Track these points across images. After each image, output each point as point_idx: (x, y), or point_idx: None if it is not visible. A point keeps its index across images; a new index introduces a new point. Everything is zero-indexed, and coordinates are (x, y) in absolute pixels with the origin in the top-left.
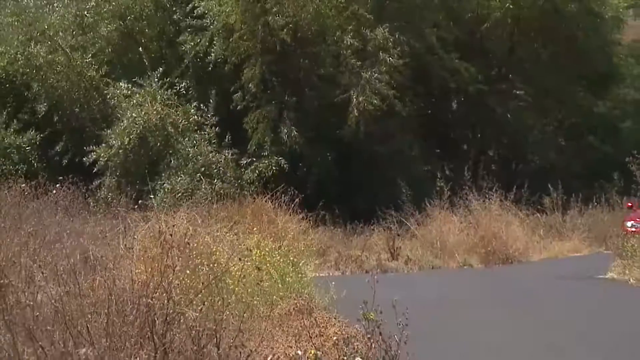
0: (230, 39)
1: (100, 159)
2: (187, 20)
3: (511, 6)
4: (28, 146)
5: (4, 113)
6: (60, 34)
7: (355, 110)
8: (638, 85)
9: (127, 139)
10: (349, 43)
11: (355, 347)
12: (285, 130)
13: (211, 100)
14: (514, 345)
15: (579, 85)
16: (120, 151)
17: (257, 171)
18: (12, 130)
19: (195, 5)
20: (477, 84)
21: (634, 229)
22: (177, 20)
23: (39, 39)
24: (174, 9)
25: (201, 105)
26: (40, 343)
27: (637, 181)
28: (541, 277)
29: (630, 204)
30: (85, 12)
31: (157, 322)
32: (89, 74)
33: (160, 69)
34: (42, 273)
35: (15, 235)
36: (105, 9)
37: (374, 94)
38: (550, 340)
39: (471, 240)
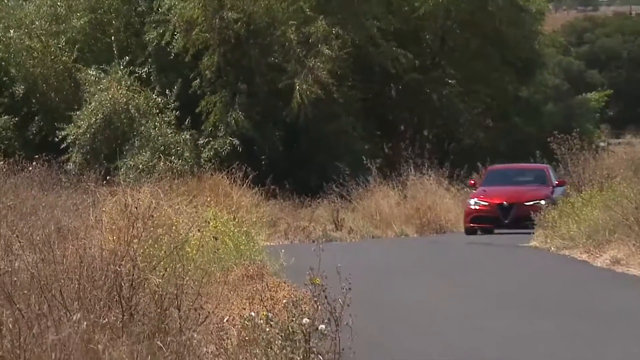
0: (191, 32)
1: (69, 137)
2: (152, 14)
3: (441, 1)
4: (4, 129)
5: None
6: (37, 22)
7: (299, 96)
8: (558, 71)
9: (94, 119)
10: (294, 35)
11: (303, 309)
12: (238, 113)
13: (174, 88)
14: (445, 306)
15: (505, 72)
16: (88, 131)
17: (213, 150)
18: None
19: (160, 2)
20: (413, 71)
21: (477, 207)
22: (142, 12)
23: (16, 27)
24: (139, 2)
25: (165, 90)
26: (17, 306)
27: (557, 158)
28: (472, 246)
29: (472, 182)
30: (59, 4)
31: (123, 287)
32: (62, 60)
33: (126, 57)
34: (19, 242)
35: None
36: (77, 2)
37: (315, 82)
38: (478, 300)
39: (407, 212)
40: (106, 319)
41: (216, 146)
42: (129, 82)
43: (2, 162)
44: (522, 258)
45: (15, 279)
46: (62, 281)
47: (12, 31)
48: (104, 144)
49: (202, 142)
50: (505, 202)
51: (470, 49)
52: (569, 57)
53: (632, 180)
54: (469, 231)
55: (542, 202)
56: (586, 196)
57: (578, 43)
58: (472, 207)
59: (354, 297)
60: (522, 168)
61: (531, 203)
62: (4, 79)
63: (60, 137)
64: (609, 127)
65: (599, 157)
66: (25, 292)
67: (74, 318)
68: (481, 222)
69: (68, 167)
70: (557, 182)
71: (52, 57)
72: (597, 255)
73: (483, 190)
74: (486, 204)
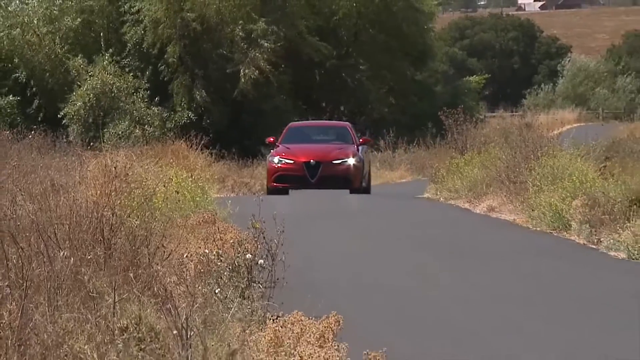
0: (158, 29)
1: (68, 113)
2: (128, 15)
3: (355, 4)
4: (10, 107)
5: None
6: (34, 22)
7: (243, 80)
8: (445, 60)
9: (87, 98)
10: (239, 32)
11: (246, 247)
12: (195, 93)
13: (146, 73)
14: (351, 245)
15: (404, 61)
16: (82, 107)
17: (174, 121)
18: None
19: (133, 5)
20: (332, 60)
21: (281, 164)
22: (121, 13)
23: (19, 26)
24: (119, 5)
25: (139, 75)
26: (20, 245)
27: (445, 128)
28: (376, 197)
29: (271, 139)
30: (53, 7)
31: (104, 230)
32: (55, 51)
33: (110, 50)
34: (22, 195)
35: (2, 167)
36: (68, 5)
37: (256, 69)
38: (377, 239)
39: None
40: (90, 256)
41: (177, 118)
42: (112, 70)
43: (7, 132)
44: (417, 206)
45: (19, 223)
46: (56, 225)
47: (16, 29)
48: (93, 117)
49: (166, 115)
50: (312, 160)
51: (377, 42)
52: (453, 48)
53: (503, 145)
54: (272, 190)
55: (350, 160)
56: (468, 158)
57: (461, 37)
58: (276, 165)
59: (286, 238)
60: (324, 125)
61: (339, 161)
62: (10, 66)
63: (62, 115)
64: (486, 104)
65: (478, 127)
66: (27, 234)
67: (65, 255)
68: (286, 182)
69: (69, 136)
70: (361, 140)
71: (47, 50)
72: (477, 204)
73: (286, 148)
74: (291, 162)
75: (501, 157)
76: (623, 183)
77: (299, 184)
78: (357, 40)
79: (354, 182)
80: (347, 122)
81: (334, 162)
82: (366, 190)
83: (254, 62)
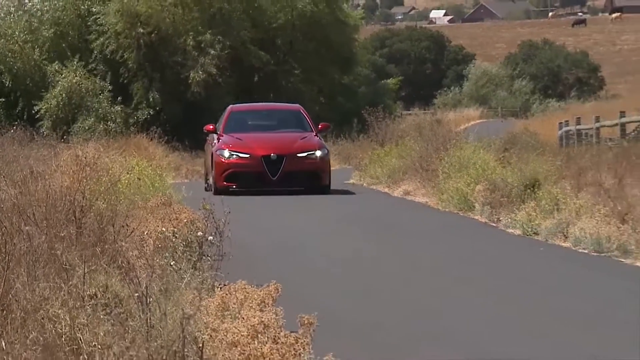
0: (119, 39)
1: (42, 110)
2: (94, 27)
3: (290, 17)
4: None
5: None
6: (17, 32)
7: (194, 83)
8: (368, 66)
9: (60, 98)
10: (190, 42)
11: (198, 226)
12: (153, 94)
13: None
14: (287, 222)
15: (332, 66)
16: (55, 106)
17: (134, 117)
18: None
19: (97, 19)
20: (270, 65)
21: (233, 159)
22: (88, 26)
23: (2, 36)
24: (87, 19)
25: (104, 78)
26: (3, 224)
27: (368, 124)
28: None
29: (211, 126)
30: (32, 20)
31: (76, 211)
32: (34, 58)
33: (79, 56)
34: (5, 181)
35: None
36: (44, 18)
37: (205, 73)
38: (313, 217)
39: None
40: (63, 233)
41: (137, 115)
42: (80, 73)
43: None
44: (345, 189)
45: (2, 205)
46: (34, 207)
47: (1, 40)
48: (65, 114)
49: (129, 112)
50: (272, 154)
51: (309, 50)
52: (375, 56)
53: (417, 139)
54: (222, 190)
55: (318, 152)
56: (387, 149)
57: (381, 46)
58: (227, 160)
59: (232, 218)
60: (272, 109)
61: (304, 154)
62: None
63: (36, 110)
64: (402, 103)
65: (395, 123)
66: (9, 214)
67: (42, 232)
68: (240, 180)
69: (41, 130)
70: (320, 127)
71: (27, 57)
72: (395, 189)
73: (237, 139)
74: (246, 156)
75: (415, 148)
76: (519, 170)
77: (256, 182)
78: (292, 49)
79: (323, 178)
80: (297, 105)
81: (299, 155)
82: (329, 187)
83: (203, 67)
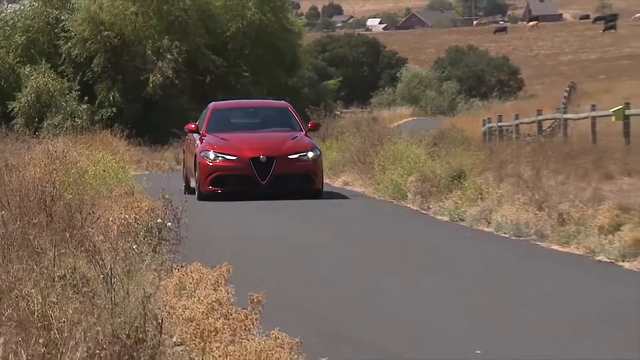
0: (85, 44)
1: (15, 108)
2: (62, 33)
3: (240, 25)
4: None
5: None
6: None
7: (152, 84)
8: (311, 68)
9: (30, 97)
10: (149, 47)
11: (157, 213)
12: (115, 94)
13: (76, 78)
14: (237, 208)
15: (279, 69)
16: (26, 104)
17: (100, 115)
18: None
19: (65, 25)
20: (223, 68)
21: (219, 161)
22: (57, 32)
23: None
24: (55, 26)
25: (71, 79)
26: None
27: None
28: None
29: (193, 126)
30: (6, 27)
31: (47, 200)
32: (8, 62)
33: (47, 59)
34: None
35: None
36: (17, 26)
37: (162, 76)
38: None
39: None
40: (35, 220)
41: (102, 113)
42: (50, 75)
43: None
44: None
45: None
46: (8, 196)
47: None
48: (35, 112)
49: (94, 110)
50: (262, 156)
51: (257, 55)
52: (317, 60)
53: (355, 134)
54: (207, 195)
55: (310, 154)
56: (328, 144)
57: (323, 51)
58: (212, 162)
59: (189, 206)
60: (258, 106)
61: (296, 156)
62: None
63: (9, 109)
64: (342, 102)
65: (335, 120)
66: None
67: (16, 219)
68: (227, 184)
69: (15, 127)
70: (309, 125)
71: (1, 61)
72: (335, 180)
73: (221, 139)
74: (233, 157)
75: (354, 143)
76: (447, 163)
77: (244, 186)
78: (242, 53)
79: (316, 182)
80: (284, 102)
81: (290, 156)
82: (321, 192)
83: (161, 70)
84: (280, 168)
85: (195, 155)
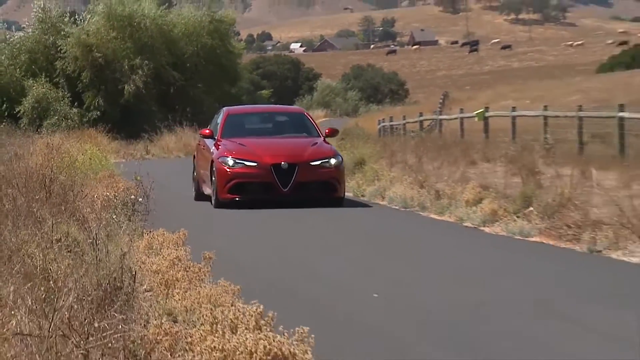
0: (76, 62)
1: (21, 111)
2: (58, 54)
3: (195, 48)
4: None
5: None
6: (2, 58)
7: (128, 93)
8: (248, 81)
9: (32, 102)
10: (126, 64)
11: (131, 191)
12: (99, 100)
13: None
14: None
15: (224, 82)
16: (29, 108)
17: (87, 117)
18: None
19: (61, 47)
20: (181, 81)
21: (238, 168)
22: (54, 53)
23: None
24: (52, 47)
25: (65, 89)
26: None
27: None
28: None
29: (207, 130)
30: (14, 48)
31: (46, 181)
32: (15, 76)
33: (45, 73)
34: None
35: None
36: (22, 48)
37: (135, 87)
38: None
39: (180, 146)
40: (37, 196)
41: (89, 115)
42: (48, 86)
43: None
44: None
45: None
46: (17, 178)
47: None
48: (36, 114)
49: (82, 113)
50: (283, 162)
51: (208, 70)
52: (252, 75)
53: None
54: (225, 203)
55: (332, 160)
56: None
57: (257, 68)
58: (231, 168)
59: (157, 185)
60: (274, 111)
61: (318, 162)
62: None
63: (17, 111)
64: None
65: None
66: (3, 186)
67: (23, 195)
68: (247, 191)
69: (21, 126)
70: (327, 131)
71: (10, 75)
72: None
73: (240, 145)
74: (254, 164)
75: None
76: (351, 153)
77: (264, 193)
78: (197, 70)
79: (339, 189)
80: (299, 107)
81: (312, 163)
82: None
83: (134, 82)
84: (303, 175)
85: (212, 162)
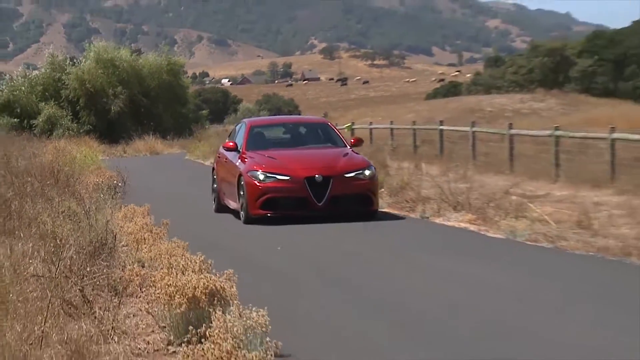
0: (75, 92)
1: (37, 124)
2: (63, 85)
3: (158, 81)
4: (14, 125)
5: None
6: (23, 88)
7: (112, 111)
8: (193, 105)
9: (45, 118)
10: (111, 92)
11: (113, 178)
12: (92, 116)
13: (70, 108)
14: (164, 177)
15: (177, 105)
16: (43, 121)
17: (83, 128)
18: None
19: (65, 81)
20: (147, 104)
21: (270, 182)
22: (60, 85)
23: (18, 89)
24: (58, 80)
25: (68, 109)
26: (18, 179)
27: (194, 131)
28: (166, 157)
29: (231, 143)
30: (30, 84)
31: (55, 171)
32: (32, 100)
33: (54, 100)
34: (21, 158)
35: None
36: (37, 81)
37: (119, 107)
38: (169, 174)
39: (150, 147)
40: (48, 182)
41: (84, 128)
42: (54, 107)
43: (14, 134)
44: (184, 161)
45: (20, 169)
46: (35, 169)
47: (17, 91)
48: (47, 127)
49: (79, 126)
50: (317, 175)
51: (166, 97)
52: (196, 100)
53: (216, 137)
54: (255, 219)
55: (367, 172)
56: (202, 143)
57: (199, 95)
58: (261, 183)
59: (133, 175)
60: (297, 122)
61: (352, 174)
62: (14, 107)
63: (33, 125)
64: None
65: (205, 131)
66: (22, 174)
67: (38, 181)
68: (280, 207)
69: (36, 134)
70: (352, 141)
71: (28, 100)
72: (205, 161)
73: (269, 158)
74: (287, 178)
75: (213, 142)
76: None
77: (298, 208)
78: (158, 96)
79: (374, 202)
80: (322, 117)
81: (347, 175)
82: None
83: (116, 104)
84: (337, 188)
85: (239, 175)
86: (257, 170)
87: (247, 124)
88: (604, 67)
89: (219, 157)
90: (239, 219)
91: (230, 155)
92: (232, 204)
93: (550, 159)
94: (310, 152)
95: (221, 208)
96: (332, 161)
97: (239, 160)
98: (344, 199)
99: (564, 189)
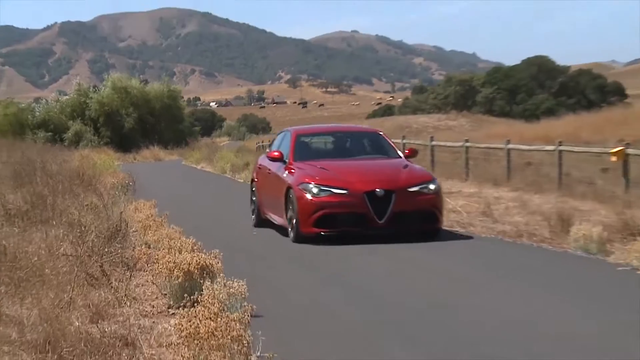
0: (96, 112)
1: (67, 138)
2: (87, 107)
3: (161, 105)
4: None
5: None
6: (55, 110)
7: (126, 127)
8: (188, 123)
9: (73, 133)
10: (124, 112)
11: (127, 179)
12: (108, 131)
13: (91, 125)
14: (166, 176)
15: (176, 123)
16: (71, 136)
17: (102, 140)
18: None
19: (89, 104)
20: (153, 122)
21: (325, 197)
22: (84, 107)
23: (52, 110)
24: (83, 103)
25: (91, 125)
26: (52, 179)
27: (189, 143)
28: (167, 163)
29: (277, 153)
30: (62, 106)
31: (80, 173)
32: (63, 119)
33: (80, 118)
34: (54, 163)
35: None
36: (66, 104)
37: (127, 123)
38: (169, 175)
39: (151, 155)
40: (75, 182)
41: (104, 140)
42: (80, 125)
43: (50, 145)
44: (181, 165)
45: (53, 171)
46: (65, 172)
47: (51, 112)
48: (75, 139)
49: (100, 139)
50: (378, 189)
51: (167, 116)
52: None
53: (207, 147)
54: (308, 237)
55: (432, 186)
56: (195, 151)
57: (192, 115)
58: (315, 197)
59: (141, 178)
60: (347, 131)
61: (417, 189)
62: (50, 124)
63: (64, 138)
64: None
65: (198, 142)
66: (55, 175)
67: (68, 182)
68: (337, 224)
69: (66, 145)
70: (407, 152)
71: (59, 119)
72: (197, 165)
73: (322, 170)
74: (344, 192)
75: (204, 151)
76: (241, 159)
77: (357, 226)
78: (161, 115)
79: (439, 219)
80: (373, 127)
81: (410, 189)
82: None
83: (128, 122)
84: (401, 204)
85: (288, 188)
86: (310, 183)
87: (292, 133)
88: (501, 94)
89: (259, 167)
90: (281, 233)
91: (275, 166)
92: (277, 220)
93: (461, 163)
94: (366, 163)
95: (261, 223)
96: (393, 174)
97: (286, 172)
98: (407, 216)
99: (472, 186)
